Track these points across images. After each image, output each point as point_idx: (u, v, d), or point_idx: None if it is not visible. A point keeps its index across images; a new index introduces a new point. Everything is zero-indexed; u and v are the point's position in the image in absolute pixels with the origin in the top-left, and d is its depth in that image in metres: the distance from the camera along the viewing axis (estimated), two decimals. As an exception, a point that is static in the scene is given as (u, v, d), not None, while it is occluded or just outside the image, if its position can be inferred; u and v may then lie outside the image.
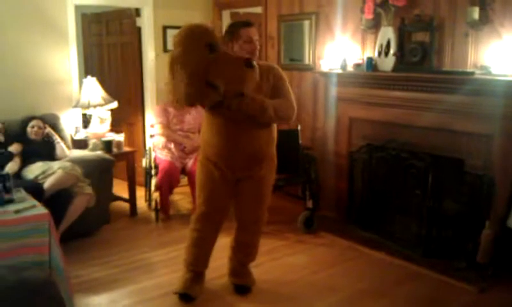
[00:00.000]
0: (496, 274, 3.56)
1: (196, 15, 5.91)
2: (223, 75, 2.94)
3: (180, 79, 2.90)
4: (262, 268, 3.76)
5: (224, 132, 3.13)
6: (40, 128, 4.40)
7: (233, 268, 3.52)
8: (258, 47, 3.19)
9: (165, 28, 5.75)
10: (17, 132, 4.38)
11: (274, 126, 3.30)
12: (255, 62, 2.97)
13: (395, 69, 4.24)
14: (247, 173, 3.24)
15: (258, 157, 3.21)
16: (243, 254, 3.48)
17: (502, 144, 3.60)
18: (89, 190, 4.11)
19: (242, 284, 3.47)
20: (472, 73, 3.71)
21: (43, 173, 4.05)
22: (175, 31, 5.65)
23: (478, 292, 3.43)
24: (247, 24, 3.16)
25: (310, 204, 4.55)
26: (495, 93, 3.56)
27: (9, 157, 4.15)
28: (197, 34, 2.95)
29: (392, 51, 4.25)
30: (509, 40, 3.56)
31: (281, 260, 3.98)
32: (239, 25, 3.18)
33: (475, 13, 3.70)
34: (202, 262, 3.42)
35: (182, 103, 3.01)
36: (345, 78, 4.68)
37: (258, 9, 5.73)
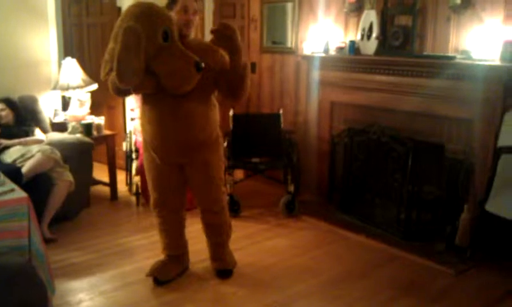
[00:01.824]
0: (474, 256, 3.62)
1: (178, -4, 5.81)
2: (169, 68, 2.82)
3: (126, 52, 2.68)
4: (243, 252, 3.77)
5: (156, 119, 3.06)
6: (2, 110, 4.31)
7: (212, 253, 3.50)
8: (195, 21, 3.11)
9: (146, 9, 5.64)
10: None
11: (215, 111, 3.23)
12: (203, 65, 2.85)
13: (377, 53, 4.24)
14: (185, 159, 3.19)
15: (193, 145, 3.13)
16: (215, 235, 3.44)
17: (482, 129, 3.63)
18: (68, 176, 4.06)
19: (222, 268, 3.46)
20: (453, 58, 3.73)
21: (22, 156, 4.00)
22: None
23: (456, 274, 3.48)
24: None
25: (291, 188, 4.55)
26: (475, 78, 3.58)
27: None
28: (156, 16, 2.80)
29: (374, 35, 4.24)
30: (490, 24, 3.57)
31: (262, 244, 3.99)
32: None
33: (458, -4, 3.71)
34: (172, 246, 3.42)
35: (118, 80, 2.75)
36: (327, 62, 4.67)
37: (240, -9, 5.67)
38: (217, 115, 3.27)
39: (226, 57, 2.99)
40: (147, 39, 2.72)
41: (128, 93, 3.08)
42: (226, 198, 3.50)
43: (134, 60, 2.69)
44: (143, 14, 2.78)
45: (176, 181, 3.28)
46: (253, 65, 5.52)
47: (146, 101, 3.11)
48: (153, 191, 3.33)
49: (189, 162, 3.20)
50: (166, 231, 3.40)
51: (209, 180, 3.26)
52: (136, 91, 3.00)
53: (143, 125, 3.21)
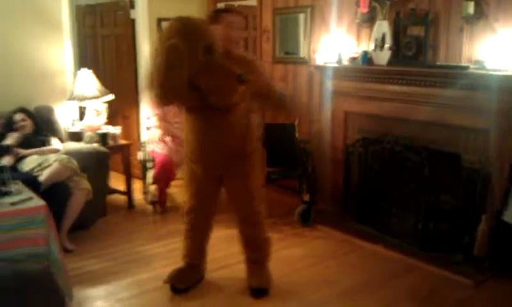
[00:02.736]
0: (493, 267, 3.58)
1: (191, 8, 5.89)
2: (212, 83, 2.87)
3: (169, 70, 2.76)
4: (258, 262, 3.78)
5: (198, 129, 3.12)
6: (23, 120, 4.36)
7: (248, 269, 3.45)
8: (239, 36, 3.21)
9: (159, 20, 5.72)
10: (8, 125, 4.37)
11: (253, 123, 3.27)
12: (245, 77, 2.90)
13: (390, 63, 4.25)
14: (225, 170, 3.23)
15: (234, 155, 3.18)
16: (251, 250, 3.41)
17: (498, 139, 3.62)
18: (86, 185, 4.10)
19: (256, 286, 3.36)
20: (467, 68, 3.73)
21: (39, 165, 4.04)
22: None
23: (475, 285, 3.45)
24: (232, 11, 3.22)
25: (306, 197, 4.56)
26: (490, 88, 3.58)
27: (7, 149, 4.13)
28: (198, 31, 2.85)
29: (387, 45, 4.26)
30: (503, 35, 3.58)
31: (277, 253, 3.95)
32: (224, 10, 3.23)
33: (470, 7, 3.72)
34: (195, 254, 3.43)
35: (161, 96, 2.86)
36: (340, 72, 4.68)
37: (253, 2, 5.72)
38: (254, 128, 3.31)
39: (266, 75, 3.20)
40: (189, 55, 2.76)
41: (169, 103, 3.13)
42: (263, 213, 3.43)
43: (177, 77, 2.75)
44: (185, 30, 2.82)
45: (212, 191, 3.33)
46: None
47: (189, 111, 3.15)
48: (190, 199, 3.35)
49: (228, 174, 3.25)
50: (192, 238, 3.41)
51: (247, 193, 3.29)
52: (180, 105, 3.07)
53: (186, 135, 3.27)
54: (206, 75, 2.85)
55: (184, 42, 2.76)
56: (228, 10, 3.26)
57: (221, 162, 3.20)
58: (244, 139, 3.20)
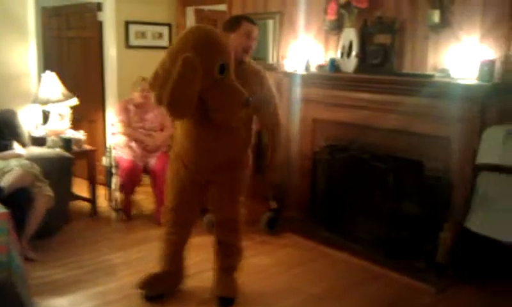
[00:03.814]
0: (455, 274, 3.63)
1: (160, 11, 5.84)
2: (220, 101, 2.87)
3: (181, 83, 2.71)
4: (225, 269, 3.75)
5: (194, 137, 3.07)
6: None
7: (218, 278, 3.41)
8: (253, 48, 3.19)
9: (127, 23, 5.66)
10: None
11: (250, 134, 3.29)
12: (250, 99, 2.91)
13: (356, 70, 4.28)
14: (216, 177, 3.22)
15: (227, 165, 3.18)
16: (225, 255, 3.38)
17: (460, 147, 3.68)
18: (48, 191, 3.99)
19: (225, 295, 3.33)
20: (431, 76, 3.78)
21: (1, 170, 3.93)
22: (138, 26, 5.70)
23: (437, 292, 3.50)
24: (251, 21, 3.19)
25: (273, 205, 4.56)
26: (453, 96, 3.64)
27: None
28: (213, 46, 2.80)
29: (353, 53, 4.29)
30: (467, 43, 3.64)
31: (244, 261, 3.92)
32: (243, 18, 3.21)
33: (436, 15, 3.78)
34: (169, 260, 3.36)
35: (163, 101, 2.78)
36: (308, 79, 4.70)
37: (222, 7, 5.70)
38: (252, 138, 3.32)
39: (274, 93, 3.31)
40: (204, 73, 2.73)
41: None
42: (242, 220, 3.42)
43: (188, 92, 2.71)
44: (203, 45, 2.77)
45: (196, 196, 3.29)
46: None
47: (184, 122, 3.10)
48: (170, 201, 3.31)
49: (216, 180, 3.24)
50: (168, 242, 3.34)
51: (231, 198, 3.29)
52: (183, 114, 2.98)
53: (178, 139, 3.21)
54: (215, 92, 2.84)
55: (200, 58, 2.72)
56: (247, 18, 3.23)
57: (213, 170, 3.18)
58: (240, 150, 3.21)
